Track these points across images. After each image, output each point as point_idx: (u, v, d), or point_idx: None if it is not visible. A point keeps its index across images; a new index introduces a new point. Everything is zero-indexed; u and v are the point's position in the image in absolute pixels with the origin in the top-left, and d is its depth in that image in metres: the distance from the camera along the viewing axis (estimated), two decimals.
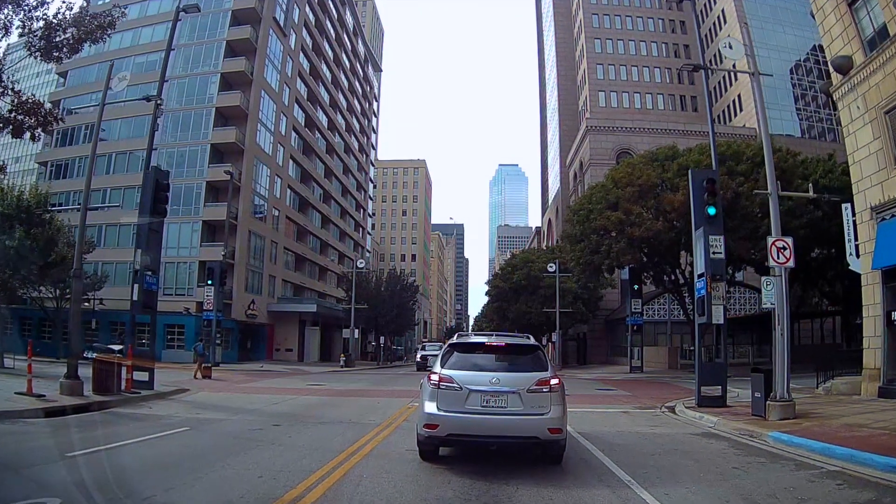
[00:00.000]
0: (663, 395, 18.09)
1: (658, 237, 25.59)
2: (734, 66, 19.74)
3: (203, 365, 23.17)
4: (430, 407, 6.80)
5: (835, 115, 63.12)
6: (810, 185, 29.63)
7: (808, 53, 63.29)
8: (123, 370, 15.41)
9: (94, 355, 21.81)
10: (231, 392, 17.24)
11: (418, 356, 38.07)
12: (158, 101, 18.97)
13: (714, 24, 67.15)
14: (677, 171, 27.05)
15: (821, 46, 65.88)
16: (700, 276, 14.17)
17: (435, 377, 6.95)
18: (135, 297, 16.39)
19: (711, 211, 14.31)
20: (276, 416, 11.20)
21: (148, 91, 49.00)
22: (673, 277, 31.54)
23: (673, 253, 29.34)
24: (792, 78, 63.34)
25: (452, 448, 7.35)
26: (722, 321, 14.04)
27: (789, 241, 12.52)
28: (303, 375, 27.19)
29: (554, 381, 6.95)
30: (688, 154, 28.28)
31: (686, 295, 31.81)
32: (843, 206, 18.05)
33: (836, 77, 18.25)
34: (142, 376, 16.10)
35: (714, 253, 14.10)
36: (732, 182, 26.25)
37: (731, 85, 63.67)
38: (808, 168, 30.85)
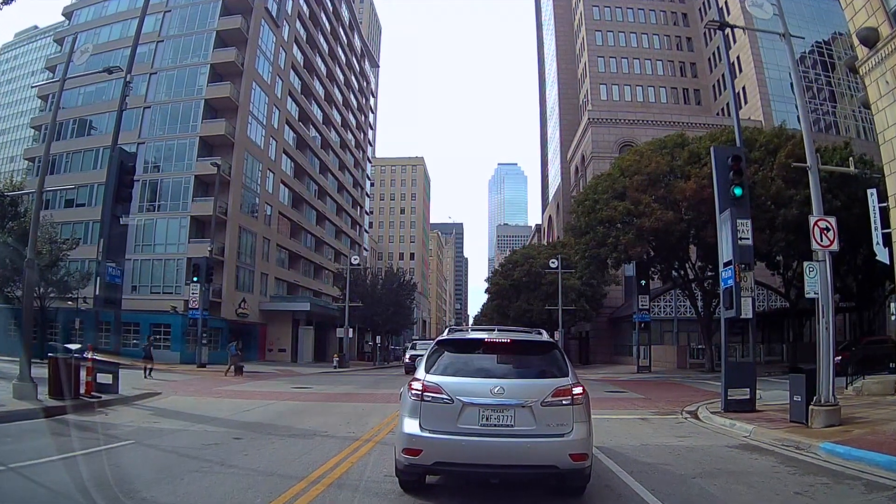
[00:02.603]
0: (680, 397, 16.52)
1: (669, 228, 24.02)
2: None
3: (237, 365, 25.90)
4: (411, 426, 5.11)
5: (838, 107, 62.01)
6: (824, 173, 28.20)
7: (812, 46, 61.87)
8: (83, 372, 13.99)
9: (92, 355, 20.47)
10: (206, 396, 15.67)
11: (406, 356, 30.51)
12: (128, 79, 17.31)
13: (717, 16, 65.48)
14: (688, 159, 25.49)
15: (826, 41, 64.36)
16: (727, 264, 12.61)
17: (418, 385, 5.23)
18: (97, 292, 14.93)
19: (738, 192, 12.77)
20: (242, 427, 9.60)
21: (137, 86, 47.59)
22: (682, 272, 29.95)
23: (682, 246, 27.78)
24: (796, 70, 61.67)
25: (442, 476, 5.70)
26: (751, 315, 12.50)
27: (832, 220, 10.96)
28: (291, 377, 25.58)
29: (577, 391, 5.23)
30: (698, 141, 26.73)
31: (697, 291, 30.27)
32: (869, 191, 16.47)
33: (861, 51, 16.69)
34: (106, 378, 14.67)
35: (742, 238, 12.56)
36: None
37: (734, 78, 62.08)
38: (823, 156, 29.35)
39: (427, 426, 5.05)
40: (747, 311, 12.28)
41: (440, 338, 6.19)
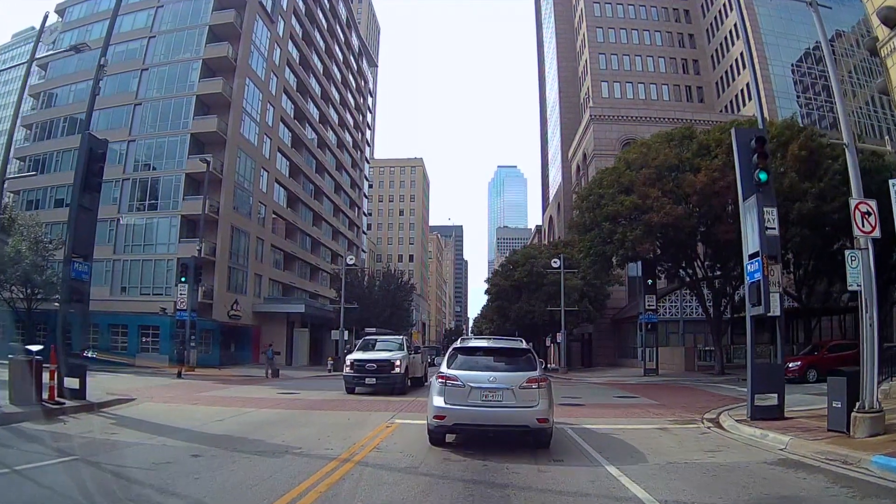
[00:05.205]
0: (695, 402, 15.28)
1: (678, 223, 22.76)
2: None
3: (273, 368, 28.18)
4: (439, 401, 7.91)
5: (835, 104, 61.06)
6: (839, 165, 27.11)
7: (816, 43, 61.07)
8: (46, 376, 12.87)
9: (94, 354, 19.10)
10: (183, 402, 14.44)
11: (347, 364, 17.46)
12: (102, 63, 16.14)
13: (719, 12, 64.80)
14: (697, 151, 24.28)
15: (829, 40, 64.01)
16: (752, 256, 11.40)
17: (442, 376, 8.09)
18: (63, 290, 13.76)
19: (763, 177, 11.60)
20: (206, 441, 8.35)
21: (129, 83, 46.38)
22: (690, 271, 28.69)
23: (691, 243, 26.56)
24: (800, 67, 61.07)
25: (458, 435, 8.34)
26: (779, 312, 11.28)
27: (873, 203, 9.80)
28: (281, 381, 24.30)
29: (542, 379, 8.07)
30: (708, 133, 25.53)
31: (706, 290, 29.03)
32: (891, 182, 15.30)
33: (882, 31, 15.59)
34: (73, 383, 13.50)
35: (768, 228, 11.36)
36: None
37: (738, 74, 61.21)
38: (835, 150, 28.39)
39: (448, 401, 7.84)
40: (776, 308, 11.08)
41: (454, 346, 9.16)
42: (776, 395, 11.41)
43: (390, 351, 17.81)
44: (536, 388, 7.84)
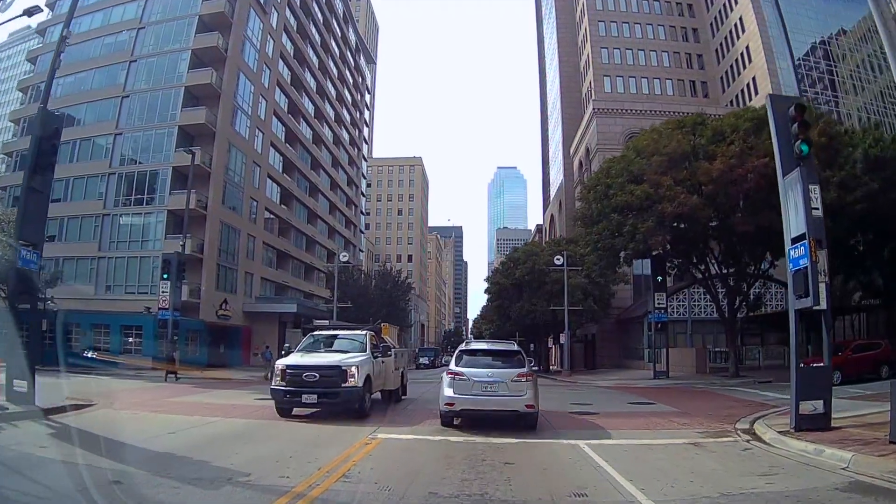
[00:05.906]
0: (718, 409, 13.68)
1: (693, 214, 21.18)
2: None
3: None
4: (449, 392, 10.08)
5: (843, 101, 59.68)
6: (859, 153, 25.66)
7: (821, 37, 60.13)
8: None
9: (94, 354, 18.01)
10: (145, 409, 12.87)
11: (277, 372, 11.65)
12: (65, 34, 14.68)
13: (724, 6, 63.44)
14: (711, 138, 22.72)
15: (835, 35, 62.61)
16: (796, 240, 9.83)
17: (451, 372, 10.29)
18: (10, 281, 12.22)
19: (805, 149, 10.08)
20: (142, 461, 6.77)
21: (116, 75, 44.65)
22: (702, 267, 27.10)
23: (703, 238, 25.00)
24: (806, 62, 59.79)
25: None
26: (826, 305, 9.71)
27: None
28: (264, 385, 22.60)
29: (529, 374, 10.32)
30: (722, 119, 23.99)
31: (720, 288, 27.45)
32: None
33: None
34: (21, 386, 12.00)
35: (814, 208, 9.80)
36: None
37: (744, 69, 59.80)
38: (853, 138, 27.09)
39: (456, 392, 10.05)
40: (823, 300, 9.51)
41: (460, 349, 11.43)
42: (822, 402, 9.86)
43: (344, 353, 12.03)
44: (525, 381, 10.01)
